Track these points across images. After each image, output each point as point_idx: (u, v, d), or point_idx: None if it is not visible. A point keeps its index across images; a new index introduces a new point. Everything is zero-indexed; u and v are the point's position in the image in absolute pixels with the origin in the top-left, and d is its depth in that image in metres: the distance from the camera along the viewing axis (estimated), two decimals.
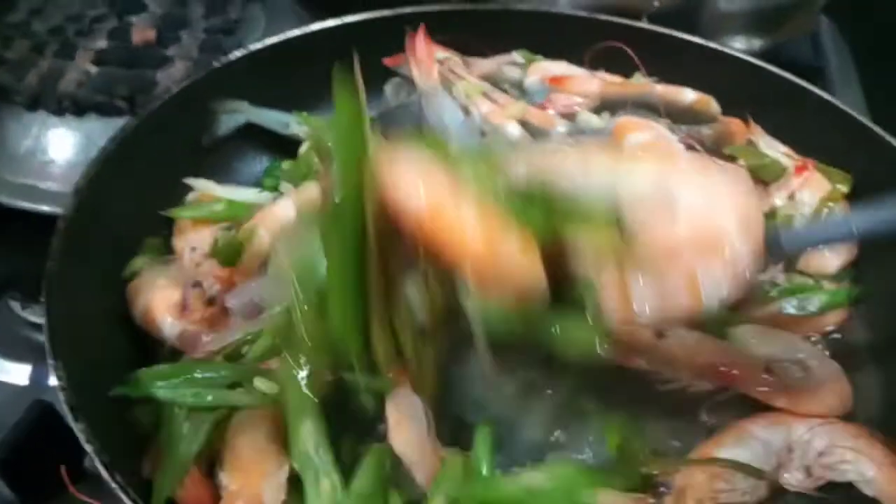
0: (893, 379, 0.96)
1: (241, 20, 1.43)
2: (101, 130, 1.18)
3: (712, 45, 1.20)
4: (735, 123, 1.14)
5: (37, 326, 1.07)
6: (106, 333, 0.91)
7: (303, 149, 1.12)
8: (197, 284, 0.90)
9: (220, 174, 1.12)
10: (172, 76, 1.29)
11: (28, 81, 1.26)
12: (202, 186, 1.07)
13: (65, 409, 0.74)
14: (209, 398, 0.79)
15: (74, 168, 1.15)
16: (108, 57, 1.33)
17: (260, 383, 0.80)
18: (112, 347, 0.90)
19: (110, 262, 0.97)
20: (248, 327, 0.85)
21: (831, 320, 1.01)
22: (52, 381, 0.77)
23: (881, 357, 0.99)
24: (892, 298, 1.00)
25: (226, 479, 0.77)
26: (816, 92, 1.13)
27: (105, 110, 1.26)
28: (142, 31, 1.36)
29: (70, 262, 0.87)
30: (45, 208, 1.16)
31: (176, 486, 0.76)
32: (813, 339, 1.00)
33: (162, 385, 0.81)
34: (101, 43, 1.36)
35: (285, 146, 1.16)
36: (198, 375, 0.81)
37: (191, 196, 1.07)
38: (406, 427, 0.77)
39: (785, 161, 1.11)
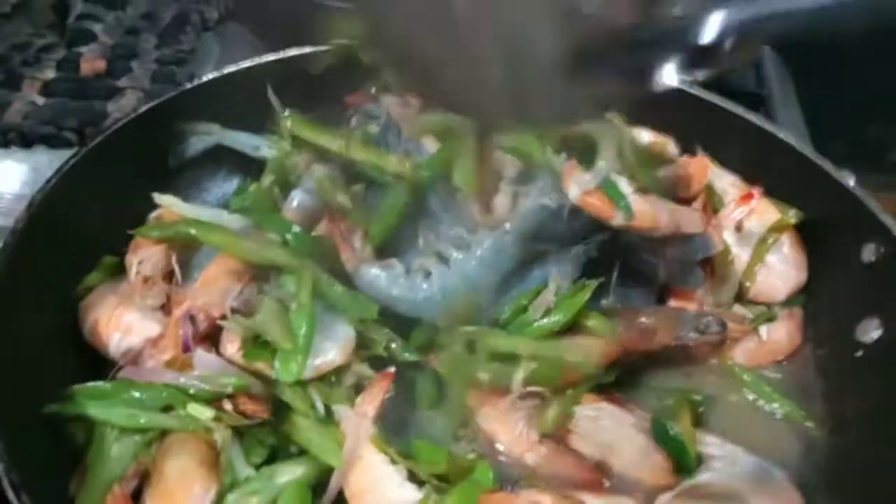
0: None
1: (193, 50, 1.42)
2: (49, 163, 1.12)
3: None
4: (694, 165, 1.12)
5: None
6: (52, 352, 0.90)
7: (265, 177, 1.11)
8: (192, 319, 0.88)
9: (191, 192, 1.11)
10: (123, 108, 1.28)
11: None
12: (168, 203, 1.04)
13: None
14: (142, 420, 0.80)
15: (21, 201, 1.10)
16: (56, 88, 1.32)
17: (193, 409, 0.80)
18: (58, 367, 0.89)
19: (63, 279, 0.95)
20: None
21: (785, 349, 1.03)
22: None
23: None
24: (840, 319, 1.01)
25: (149, 501, 0.77)
26: (763, 126, 1.11)
27: (53, 142, 1.23)
28: (91, 62, 1.35)
29: (16, 278, 0.86)
30: None
31: None
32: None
33: (95, 404, 0.80)
34: (49, 73, 1.34)
35: (257, 168, 1.13)
36: (133, 395, 0.81)
37: (153, 214, 1.06)
38: None
39: (731, 191, 1.10)
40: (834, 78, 1.63)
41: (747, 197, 1.09)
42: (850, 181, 1.00)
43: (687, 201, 1.05)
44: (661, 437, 0.88)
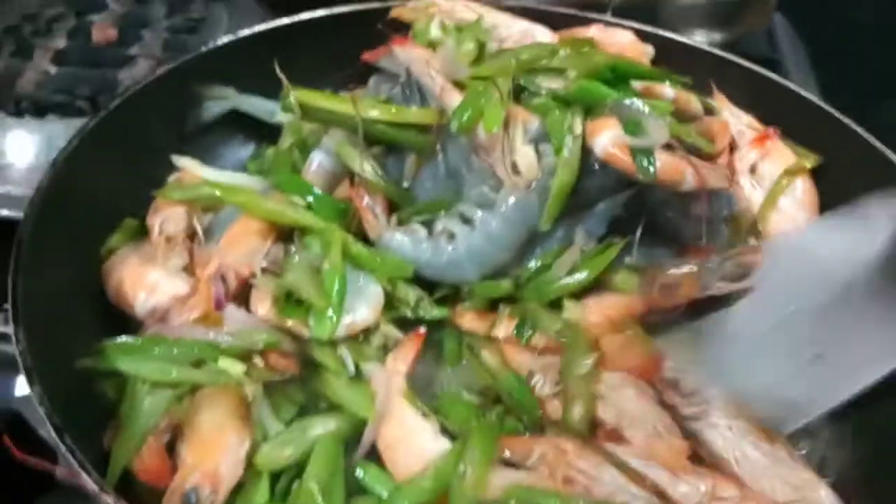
0: None
1: (203, 19, 1.42)
2: (63, 132, 1.14)
3: (677, 37, 1.21)
4: (716, 123, 1.10)
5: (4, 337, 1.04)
6: (79, 310, 0.90)
7: (283, 140, 1.11)
8: (222, 278, 0.88)
9: (206, 158, 1.10)
10: (135, 76, 1.28)
11: None
12: (187, 165, 1.05)
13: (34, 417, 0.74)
14: (173, 374, 0.80)
15: (35, 171, 1.12)
16: (68, 57, 1.32)
17: (224, 363, 0.80)
18: (85, 324, 0.89)
19: (86, 239, 0.95)
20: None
21: None
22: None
23: None
24: None
25: (184, 452, 0.77)
26: (779, 80, 1.15)
27: (66, 111, 1.23)
28: (102, 30, 1.35)
29: (41, 236, 0.86)
30: (4, 212, 1.13)
31: (132, 458, 0.77)
32: None
33: (127, 358, 0.81)
34: (61, 42, 1.34)
35: (273, 133, 1.14)
36: (164, 350, 0.81)
37: (172, 177, 1.05)
38: None
39: (748, 133, 1.11)
40: (848, 53, 1.65)
41: (763, 137, 1.09)
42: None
43: (711, 158, 1.03)
44: None
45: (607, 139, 0.87)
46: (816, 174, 1.08)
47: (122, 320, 0.91)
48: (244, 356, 0.80)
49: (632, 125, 0.88)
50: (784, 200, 1.06)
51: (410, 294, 0.89)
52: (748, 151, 1.09)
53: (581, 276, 0.90)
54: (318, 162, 1.01)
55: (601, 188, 0.91)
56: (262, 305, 0.85)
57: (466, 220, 0.90)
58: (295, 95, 0.96)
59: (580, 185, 0.88)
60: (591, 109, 0.90)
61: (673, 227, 0.97)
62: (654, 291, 0.91)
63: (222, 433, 0.77)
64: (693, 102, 1.05)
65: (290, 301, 0.85)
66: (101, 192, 0.98)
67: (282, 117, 1.12)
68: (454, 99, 0.91)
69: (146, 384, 0.79)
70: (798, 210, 1.06)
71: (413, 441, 0.80)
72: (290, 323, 0.83)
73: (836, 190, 1.04)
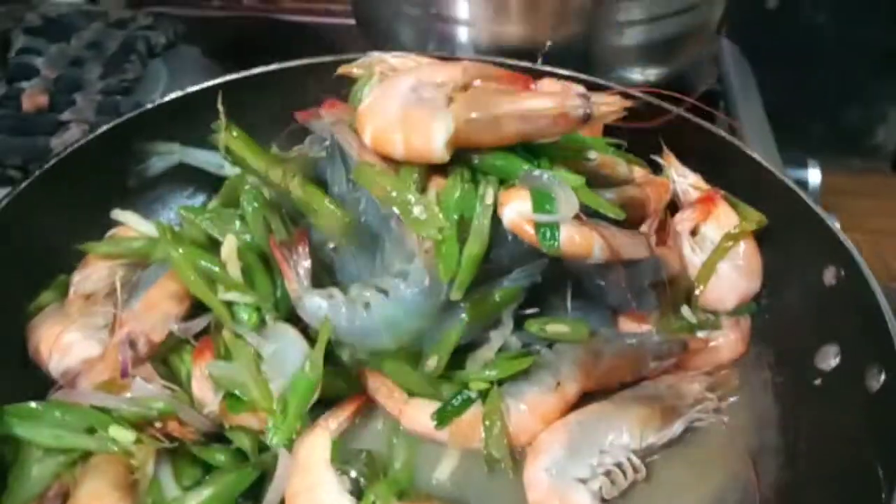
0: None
1: (138, 78, 1.47)
2: None
3: (602, 82, 1.19)
4: (654, 185, 1.12)
5: None
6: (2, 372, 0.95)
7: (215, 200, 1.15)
8: (132, 344, 0.92)
9: (155, 211, 1.18)
10: (67, 142, 1.31)
11: None
12: (127, 219, 1.10)
13: None
14: (66, 440, 0.84)
15: None
16: None
17: (114, 431, 0.84)
18: (6, 387, 0.93)
19: (13, 297, 1.00)
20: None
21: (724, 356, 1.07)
22: None
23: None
24: (800, 344, 1.03)
25: None
26: (724, 136, 1.16)
27: None
28: (32, 97, 1.39)
29: None
30: None
31: None
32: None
33: (24, 423, 0.85)
34: None
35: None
36: (60, 416, 0.85)
37: (110, 232, 1.10)
38: None
39: (692, 192, 1.14)
40: (803, 64, 1.69)
41: (706, 199, 1.12)
42: (818, 176, 1.03)
43: (640, 222, 1.08)
44: None
45: (514, 210, 0.90)
46: (760, 237, 1.09)
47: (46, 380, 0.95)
48: (141, 424, 0.84)
49: (542, 196, 0.90)
50: (724, 265, 1.07)
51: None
52: (691, 213, 1.11)
53: (492, 373, 0.95)
54: None
55: (514, 256, 0.94)
56: (205, 395, 0.90)
57: (381, 290, 0.93)
58: (222, 138, 1.01)
59: (493, 252, 0.92)
60: (504, 180, 0.94)
61: (602, 293, 1.00)
62: (590, 381, 0.97)
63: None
64: (620, 166, 1.08)
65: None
66: (35, 251, 1.02)
67: (229, 170, 1.15)
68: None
69: (39, 450, 0.83)
70: (738, 276, 1.08)
71: (315, 494, 0.85)
72: (244, 419, 0.89)
73: (785, 259, 1.07)
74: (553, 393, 0.95)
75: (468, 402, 0.94)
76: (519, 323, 0.99)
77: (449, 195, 0.92)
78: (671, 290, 1.05)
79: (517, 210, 0.90)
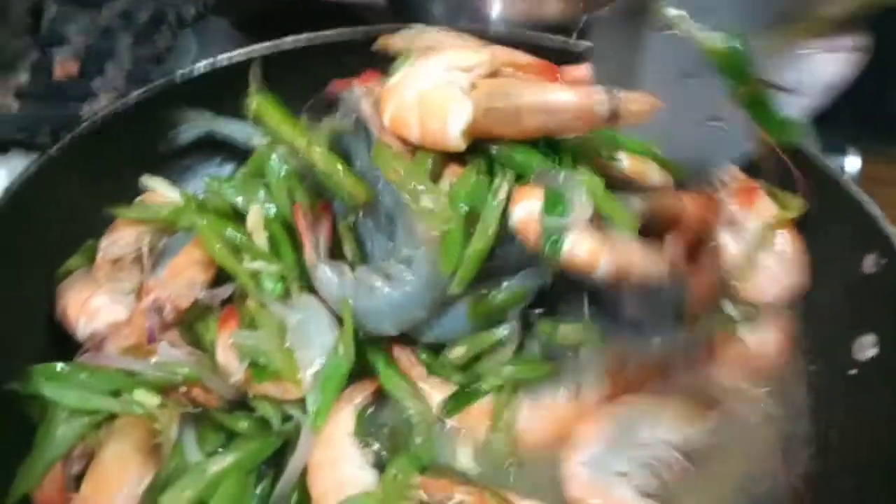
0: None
1: (170, 48, 1.47)
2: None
3: None
4: (697, 203, 0.96)
5: None
6: (32, 333, 0.96)
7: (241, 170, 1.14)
8: (159, 310, 0.93)
9: (185, 179, 1.18)
10: (97, 110, 1.30)
11: None
12: (157, 186, 1.10)
13: None
14: (91, 402, 0.85)
15: None
16: (30, 92, 1.37)
17: (139, 394, 0.85)
18: (34, 348, 0.95)
19: (42, 262, 1.01)
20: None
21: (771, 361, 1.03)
22: None
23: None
24: (836, 333, 1.01)
25: (84, 482, 0.82)
26: None
27: (29, 146, 1.29)
28: (64, 65, 1.40)
29: None
30: None
31: (34, 484, 0.82)
32: None
33: (51, 384, 0.86)
34: (23, 77, 1.40)
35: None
36: (86, 378, 0.86)
37: (139, 198, 1.10)
38: None
39: (730, 183, 1.06)
40: None
41: (749, 192, 1.07)
42: (857, 164, 1.01)
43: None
44: None
45: (524, 209, 0.86)
46: (798, 223, 1.06)
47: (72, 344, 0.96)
48: (166, 389, 0.84)
49: (554, 197, 0.85)
50: (764, 256, 1.04)
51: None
52: (731, 202, 1.06)
53: (508, 371, 0.94)
54: None
55: (524, 256, 0.89)
56: (230, 363, 0.90)
57: (387, 275, 0.92)
58: (255, 103, 1.00)
59: (501, 250, 0.89)
60: (522, 175, 0.89)
61: (617, 307, 0.93)
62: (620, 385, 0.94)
63: (123, 467, 0.81)
64: (652, 171, 0.98)
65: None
66: (63, 216, 1.03)
67: (258, 141, 1.14)
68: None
69: (65, 411, 0.84)
70: (780, 267, 1.04)
71: (337, 466, 0.85)
72: (268, 388, 0.89)
73: (823, 248, 1.05)
74: (570, 398, 0.93)
75: (479, 394, 0.93)
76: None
77: (461, 186, 0.89)
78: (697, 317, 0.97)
79: (527, 209, 0.86)
